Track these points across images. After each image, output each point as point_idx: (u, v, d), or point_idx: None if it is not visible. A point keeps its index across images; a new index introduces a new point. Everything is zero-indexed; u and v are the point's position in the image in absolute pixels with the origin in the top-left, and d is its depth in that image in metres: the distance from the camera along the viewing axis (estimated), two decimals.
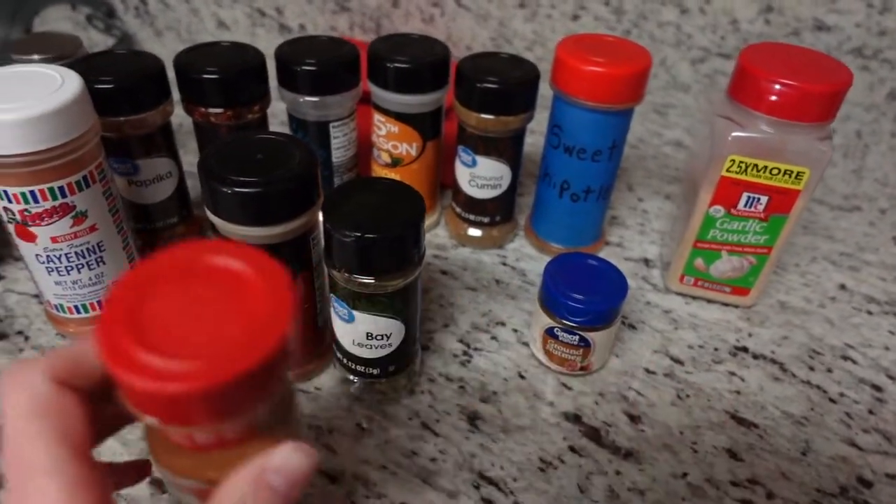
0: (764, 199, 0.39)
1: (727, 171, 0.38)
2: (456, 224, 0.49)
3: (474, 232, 0.48)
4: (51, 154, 0.32)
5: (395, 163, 0.46)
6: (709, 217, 0.41)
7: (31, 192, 0.33)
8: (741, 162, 0.38)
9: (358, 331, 0.33)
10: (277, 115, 0.43)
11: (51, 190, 0.33)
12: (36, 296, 0.43)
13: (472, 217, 0.48)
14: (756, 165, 0.38)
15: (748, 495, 0.34)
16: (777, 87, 0.35)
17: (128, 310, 0.17)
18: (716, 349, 0.42)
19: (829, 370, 0.41)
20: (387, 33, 0.72)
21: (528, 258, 0.49)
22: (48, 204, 0.34)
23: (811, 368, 0.41)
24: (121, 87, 0.38)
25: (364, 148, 0.49)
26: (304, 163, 0.31)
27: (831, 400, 0.39)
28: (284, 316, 0.18)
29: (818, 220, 0.54)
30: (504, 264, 0.48)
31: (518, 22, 0.70)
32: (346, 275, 0.31)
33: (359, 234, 0.29)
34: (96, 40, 0.74)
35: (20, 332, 0.40)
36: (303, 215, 0.31)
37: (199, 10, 0.72)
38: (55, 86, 0.33)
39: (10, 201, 0.33)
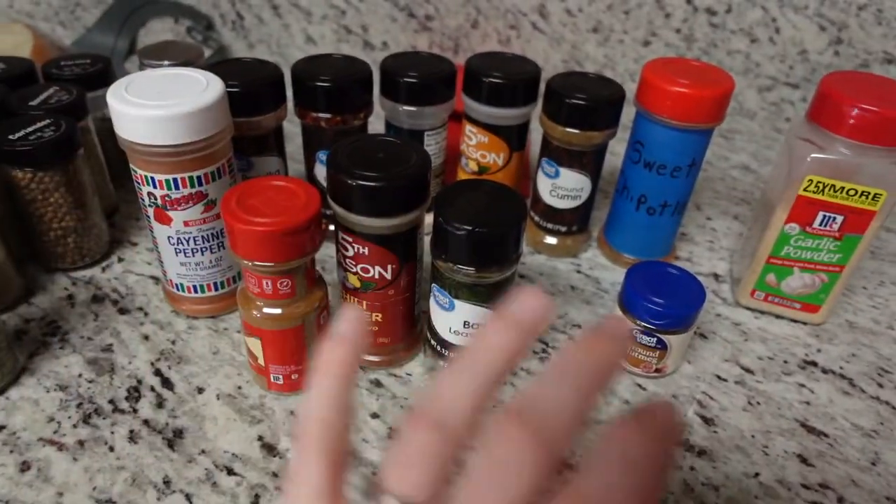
0: (839, 218, 0.41)
1: (804, 190, 0.40)
2: (533, 232, 0.52)
3: (550, 240, 0.51)
4: (195, 146, 0.36)
5: (482, 171, 0.50)
6: (784, 234, 0.43)
7: (174, 180, 0.37)
8: (819, 182, 0.40)
9: (456, 319, 0.36)
10: (372, 123, 0.47)
11: (190, 179, 0.38)
12: (152, 277, 0.47)
13: (549, 226, 0.50)
14: (833, 186, 0.40)
15: (819, 498, 0.35)
16: (857, 111, 0.38)
17: (237, 198, 0.33)
18: (785, 362, 0.43)
19: None
20: (464, 52, 0.76)
21: (601, 267, 0.51)
22: (186, 191, 0.38)
23: (880, 385, 0.42)
24: (246, 92, 0.43)
25: (450, 158, 0.52)
26: (420, 164, 0.34)
27: None
28: (315, 204, 0.34)
29: (886, 247, 0.55)
30: (578, 272, 0.50)
31: (591, 46, 0.73)
32: (453, 265, 0.34)
33: (469, 228, 0.32)
34: None
35: (140, 309, 0.45)
36: (415, 210, 0.35)
37: (291, 25, 0.77)
38: (201, 87, 0.37)
39: (155, 187, 0.38)
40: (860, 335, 0.46)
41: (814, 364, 0.43)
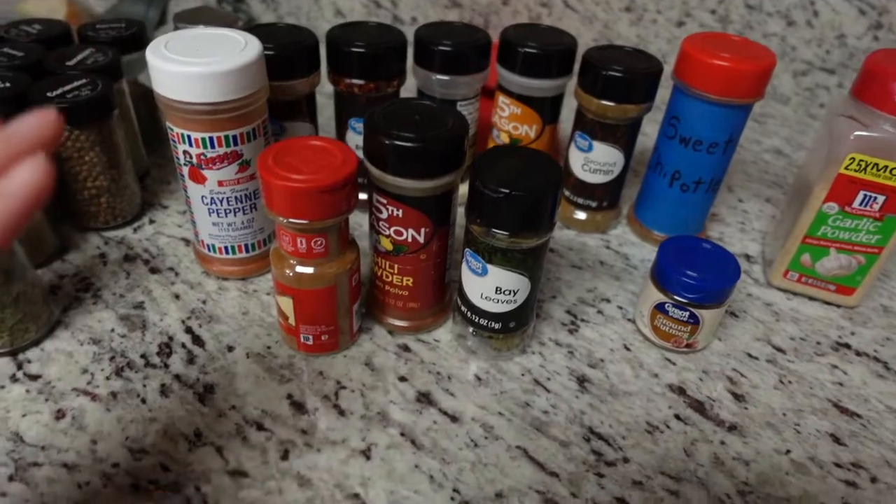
0: (881, 198, 0.40)
1: (845, 168, 0.40)
2: (563, 207, 0.51)
3: (580, 215, 0.51)
4: (232, 105, 0.36)
5: (514, 143, 0.49)
6: (821, 213, 0.42)
7: (210, 139, 0.37)
8: (861, 160, 0.39)
9: (489, 284, 0.36)
10: (404, 93, 0.47)
11: (226, 138, 0.38)
12: (183, 239, 0.48)
13: (579, 200, 0.50)
14: (877, 165, 0.39)
15: (852, 477, 0.35)
16: None
17: (274, 155, 0.33)
18: (818, 343, 0.43)
19: None
20: (494, 29, 0.75)
21: (630, 244, 0.51)
22: (222, 150, 0.38)
23: None
24: (281, 55, 0.42)
25: (481, 133, 0.52)
26: (457, 127, 0.34)
27: None
28: (352, 163, 0.33)
29: None
30: (608, 248, 0.50)
31: (623, 25, 0.72)
32: (488, 229, 0.34)
33: (507, 192, 0.32)
34: None
35: (171, 269, 0.45)
36: (451, 173, 0.34)
37: None
38: (240, 47, 0.37)
39: (191, 145, 0.38)
40: (895, 319, 0.45)
41: (847, 346, 0.43)
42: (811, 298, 0.46)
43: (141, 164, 0.53)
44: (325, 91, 0.57)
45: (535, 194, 0.33)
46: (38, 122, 0.21)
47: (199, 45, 0.37)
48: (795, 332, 0.43)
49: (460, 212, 0.38)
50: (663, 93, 0.46)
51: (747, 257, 0.50)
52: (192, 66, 0.35)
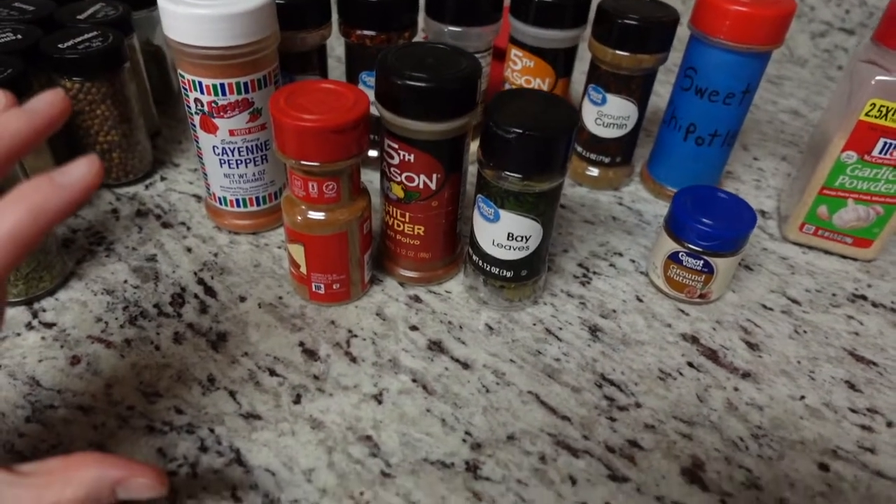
0: None
1: (866, 114, 0.39)
2: (575, 163, 0.51)
3: (592, 171, 0.50)
4: (242, 50, 0.36)
5: None
6: (839, 163, 0.41)
7: (221, 85, 0.37)
8: (882, 106, 0.38)
9: (501, 230, 0.36)
10: None
11: (237, 84, 0.37)
12: (195, 195, 0.48)
13: (592, 156, 0.49)
14: None
15: (867, 422, 0.34)
16: None
17: (285, 97, 0.33)
18: (834, 294, 0.42)
19: None
20: None
21: (643, 201, 0.50)
22: (233, 97, 0.38)
23: None
24: (292, 5, 0.42)
25: (494, 88, 0.51)
26: (470, 69, 0.34)
27: None
28: (364, 105, 0.33)
29: None
30: (620, 204, 0.50)
31: None
32: (501, 172, 0.33)
33: (520, 132, 0.32)
34: None
35: (182, 223, 0.45)
36: (464, 116, 0.34)
37: None
38: None
39: (202, 92, 0.37)
40: None
41: (864, 298, 0.42)
42: (827, 252, 0.45)
43: (152, 123, 0.53)
44: (334, 54, 0.57)
45: (549, 135, 0.32)
46: (51, 98, 0.24)
47: None
48: (811, 285, 0.43)
49: (471, 172, 0.38)
50: (675, 56, 0.45)
51: (762, 213, 0.49)
52: (202, 9, 0.34)
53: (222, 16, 0.34)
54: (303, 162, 0.33)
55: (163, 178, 0.49)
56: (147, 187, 0.48)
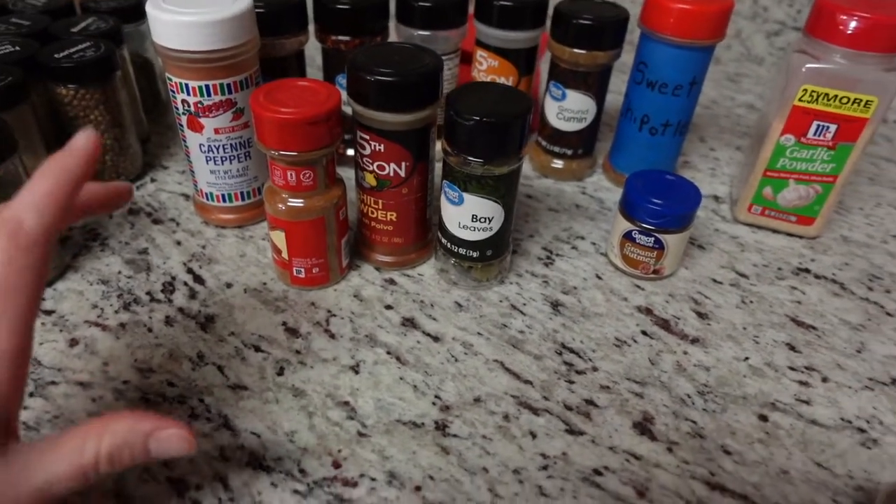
0: (833, 127, 0.43)
1: (799, 100, 0.42)
2: (540, 157, 0.54)
3: (557, 163, 0.53)
4: (225, 54, 0.39)
5: None
6: (779, 146, 0.45)
7: (206, 87, 0.40)
8: (813, 91, 0.42)
9: (465, 213, 0.39)
10: None
11: (221, 86, 0.41)
12: (183, 194, 0.51)
13: (556, 149, 0.53)
14: (827, 94, 0.42)
15: (804, 378, 0.38)
16: (850, 18, 0.39)
17: (265, 93, 0.36)
18: (779, 269, 0.46)
19: (888, 291, 0.44)
20: None
21: (605, 190, 0.53)
22: (217, 98, 0.41)
23: (870, 289, 0.44)
24: (271, 12, 0.45)
25: None
26: (432, 65, 0.37)
27: (888, 314, 0.42)
28: (336, 99, 0.36)
29: (885, 175, 0.57)
30: (584, 193, 0.53)
31: None
32: (463, 158, 0.37)
33: (478, 118, 0.35)
34: None
35: (172, 220, 0.48)
36: (428, 107, 0.37)
37: None
38: (229, 2, 0.40)
39: (188, 94, 0.41)
40: (854, 247, 0.48)
41: (807, 271, 0.45)
42: (775, 231, 0.49)
43: (142, 129, 0.56)
44: (315, 64, 0.60)
45: (504, 120, 0.35)
46: (84, 136, 0.27)
47: None
48: (759, 261, 0.46)
49: (439, 168, 0.41)
50: (630, 54, 0.49)
51: (716, 198, 0.53)
52: (187, 16, 0.38)
53: (206, 22, 0.38)
54: (282, 152, 0.36)
55: (153, 180, 0.52)
56: (138, 188, 0.51)
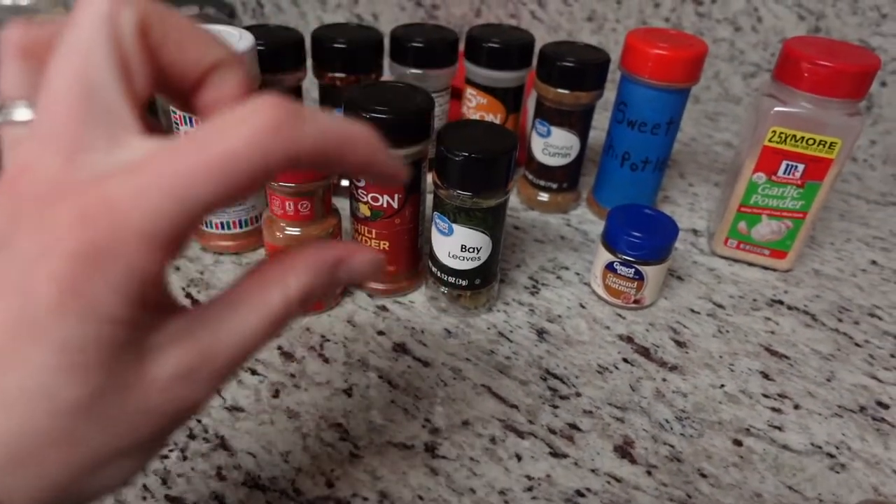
0: (801, 166, 0.45)
1: (769, 141, 0.45)
2: (527, 190, 0.56)
3: (543, 197, 0.56)
4: None
5: None
6: (752, 183, 0.47)
7: None
8: (782, 133, 0.45)
9: (455, 243, 0.41)
10: None
11: None
12: None
13: (542, 183, 0.55)
14: (795, 136, 0.44)
15: (777, 405, 0.39)
16: (815, 67, 0.42)
17: None
18: (754, 300, 0.48)
19: (857, 323, 0.46)
20: None
21: (589, 222, 0.56)
22: None
23: (840, 320, 0.46)
24: (271, 51, 0.48)
25: None
26: (424, 103, 0.39)
27: (857, 344, 0.44)
28: None
29: (854, 211, 0.60)
30: (568, 225, 0.55)
31: (585, 34, 0.78)
32: (452, 191, 0.39)
33: (466, 155, 0.37)
34: None
35: None
36: (420, 143, 0.39)
37: (307, 13, 0.83)
38: (235, 39, 0.42)
39: (191, 126, 0.43)
40: (825, 280, 0.50)
41: (780, 302, 0.48)
42: (750, 264, 0.51)
43: None
44: (311, 96, 0.63)
45: (491, 156, 0.38)
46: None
47: None
48: (734, 292, 0.48)
49: (430, 199, 0.43)
50: (612, 93, 0.52)
51: (694, 231, 0.55)
52: None
53: None
54: (282, 183, 0.38)
55: None
56: None
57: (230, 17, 0.85)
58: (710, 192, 0.61)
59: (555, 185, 0.55)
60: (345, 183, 0.55)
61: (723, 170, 0.66)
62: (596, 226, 0.55)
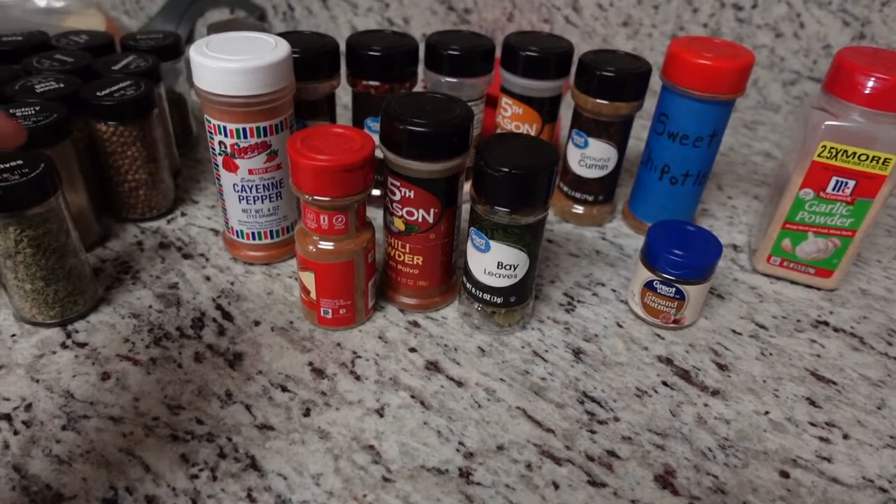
0: (851, 183, 0.43)
1: (818, 156, 0.43)
2: (561, 201, 0.55)
3: (578, 209, 0.54)
4: (263, 98, 0.41)
5: None
6: (798, 199, 0.45)
7: (244, 129, 0.42)
8: (832, 148, 0.43)
9: (491, 260, 0.40)
10: None
11: (258, 129, 0.42)
12: (212, 229, 0.52)
13: (577, 195, 0.54)
14: (846, 151, 0.43)
15: (825, 434, 0.38)
16: (868, 79, 0.40)
17: (301, 139, 0.38)
18: (798, 321, 0.46)
19: None
20: (500, 45, 0.80)
21: (625, 236, 0.54)
22: (253, 140, 0.42)
23: (889, 343, 0.44)
24: (306, 58, 0.47)
25: (487, 133, 0.56)
26: (463, 116, 0.38)
27: None
28: (370, 147, 0.38)
29: None
30: (604, 239, 0.54)
31: (621, 39, 0.77)
32: (490, 207, 0.38)
33: (506, 171, 0.36)
34: None
35: (202, 255, 0.49)
36: (457, 157, 0.38)
37: (338, 17, 0.83)
38: (271, 47, 0.42)
39: (226, 136, 0.42)
40: (872, 301, 0.48)
41: (826, 324, 0.46)
42: (793, 283, 0.49)
43: (173, 163, 0.58)
44: (341, 102, 0.62)
45: (532, 173, 0.36)
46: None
47: (236, 45, 0.42)
48: (777, 312, 0.47)
49: (465, 209, 0.42)
50: (652, 103, 0.50)
51: (735, 247, 0.53)
52: (229, 63, 0.39)
53: (247, 69, 0.39)
54: (316, 197, 0.37)
55: (183, 214, 0.54)
56: (169, 222, 0.53)
57: (261, 19, 0.85)
58: (750, 205, 0.60)
59: (591, 198, 0.54)
60: (376, 192, 0.54)
61: (762, 182, 0.64)
62: (632, 240, 0.54)
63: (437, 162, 0.38)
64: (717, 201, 0.60)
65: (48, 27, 0.66)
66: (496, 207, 0.37)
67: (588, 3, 0.76)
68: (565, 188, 0.55)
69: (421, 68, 0.52)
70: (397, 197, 0.40)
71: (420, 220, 0.40)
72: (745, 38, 0.74)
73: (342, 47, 0.48)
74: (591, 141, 0.51)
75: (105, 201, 0.52)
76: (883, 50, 0.44)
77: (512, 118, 0.53)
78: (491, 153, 0.37)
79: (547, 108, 0.52)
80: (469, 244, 0.41)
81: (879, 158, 0.42)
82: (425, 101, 0.40)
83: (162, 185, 0.52)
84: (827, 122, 0.42)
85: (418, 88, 0.52)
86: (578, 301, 0.47)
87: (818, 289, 0.49)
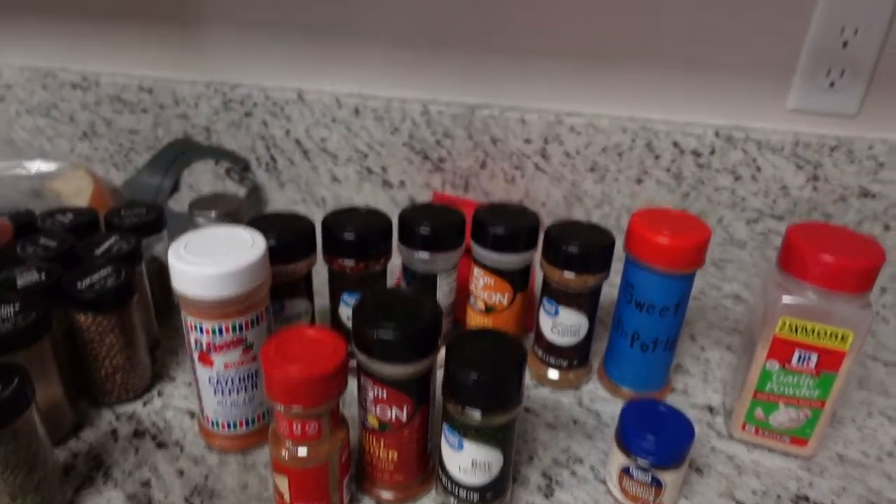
0: (814, 356, 0.45)
1: (779, 330, 0.45)
2: (537, 366, 0.56)
3: (553, 374, 0.55)
4: (240, 297, 0.42)
5: (489, 310, 0.55)
6: (766, 371, 0.46)
7: (219, 327, 0.43)
8: (791, 323, 0.44)
9: (465, 458, 0.40)
10: (390, 267, 0.53)
11: (233, 325, 0.43)
12: (189, 411, 0.52)
13: (551, 360, 0.55)
14: (805, 327, 0.44)
15: None
16: (821, 261, 0.42)
17: (275, 348, 0.38)
18: (778, 496, 0.46)
19: None
20: (473, 190, 0.84)
21: (601, 400, 0.54)
22: (229, 337, 0.43)
23: None
24: (282, 244, 0.49)
25: (461, 295, 0.57)
26: (432, 315, 0.40)
27: None
28: (342, 351, 0.38)
29: (873, 376, 0.58)
30: (580, 405, 0.54)
31: (588, 183, 0.80)
32: (462, 408, 0.38)
33: (477, 376, 0.37)
34: (231, 189, 0.90)
35: (176, 443, 0.49)
36: (427, 357, 0.39)
37: (318, 167, 0.86)
38: (248, 245, 0.43)
39: (202, 333, 0.43)
40: (850, 468, 0.48)
41: (806, 498, 0.46)
42: (770, 450, 0.49)
43: (152, 335, 0.58)
44: (319, 277, 0.64)
45: (501, 375, 0.37)
46: None
47: (213, 244, 0.43)
48: (757, 486, 0.46)
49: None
50: (620, 265, 0.52)
51: (710, 409, 0.54)
52: (206, 268, 0.41)
53: (223, 274, 0.41)
54: (291, 408, 0.37)
55: (160, 394, 0.54)
56: (145, 405, 0.52)
57: (244, 170, 0.89)
58: (723, 357, 0.61)
59: (565, 363, 0.54)
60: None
61: (734, 329, 0.65)
62: (609, 405, 0.54)
63: (406, 364, 0.39)
64: (690, 353, 0.61)
65: (37, 194, 0.69)
66: (467, 409, 0.38)
67: (556, 151, 0.80)
68: (540, 352, 0.55)
69: (395, 242, 0.53)
70: (370, 396, 0.40)
71: (393, 418, 0.40)
72: (706, 181, 0.78)
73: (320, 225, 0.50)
74: (562, 309, 0.52)
75: (80, 386, 0.51)
76: (833, 227, 0.47)
77: (484, 288, 0.54)
78: (459, 356, 0.38)
79: (518, 279, 0.54)
80: (443, 438, 0.41)
81: (837, 334, 0.43)
82: (395, 300, 0.41)
83: (139, 367, 0.52)
84: (784, 299, 0.44)
85: (394, 262, 0.54)
86: (557, 483, 0.46)
87: (795, 456, 0.49)
